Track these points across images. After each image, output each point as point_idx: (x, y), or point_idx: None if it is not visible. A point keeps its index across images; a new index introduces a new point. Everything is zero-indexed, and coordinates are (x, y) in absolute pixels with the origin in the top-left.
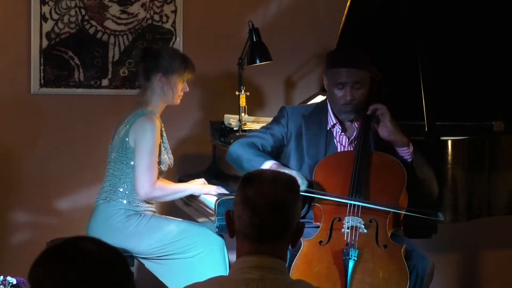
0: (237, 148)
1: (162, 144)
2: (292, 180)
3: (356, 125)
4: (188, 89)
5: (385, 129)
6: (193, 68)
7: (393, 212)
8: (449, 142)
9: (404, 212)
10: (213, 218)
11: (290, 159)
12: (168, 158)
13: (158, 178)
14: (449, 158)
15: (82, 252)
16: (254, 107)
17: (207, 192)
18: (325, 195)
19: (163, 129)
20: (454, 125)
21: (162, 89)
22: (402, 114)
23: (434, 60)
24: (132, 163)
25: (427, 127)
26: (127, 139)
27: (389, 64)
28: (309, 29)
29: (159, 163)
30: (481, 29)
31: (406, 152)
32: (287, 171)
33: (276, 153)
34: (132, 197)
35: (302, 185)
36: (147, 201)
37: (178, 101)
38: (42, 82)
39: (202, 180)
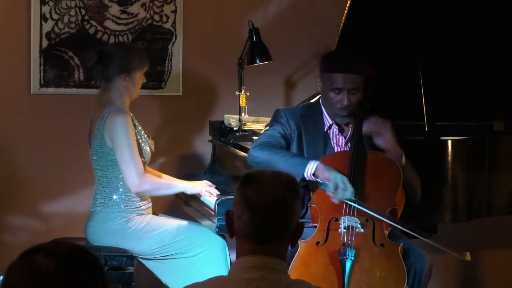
0: (260, 152)
1: (138, 136)
2: (292, 179)
3: (351, 125)
4: (145, 80)
5: (383, 140)
6: (149, 59)
7: (389, 210)
8: (449, 142)
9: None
10: (213, 218)
11: None
12: (148, 149)
13: (145, 169)
14: (449, 158)
15: (37, 273)
16: (254, 107)
17: (199, 191)
18: (369, 210)
19: (135, 120)
20: (454, 125)
21: (127, 87)
22: (402, 114)
23: (434, 60)
24: (116, 167)
25: (427, 127)
26: (104, 141)
27: (389, 64)
28: (309, 29)
29: (141, 155)
30: (481, 29)
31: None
32: (339, 179)
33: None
34: (129, 200)
35: (348, 191)
36: (144, 199)
37: (138, 95)
38: (42, 82)
39: (205, 181)
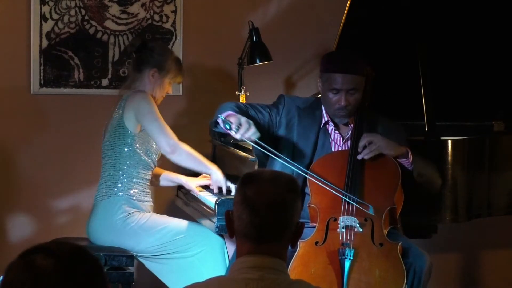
0: (228, 103)
1: None
2: (292, 179)
3: (351, 125)
4: (171, 92)
5: (382, 149)
6: (183, 74)
7: (388, 210)
8: (449, 142)
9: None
10: (213, 218)
11: (279, 147)
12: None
13: (154, 167)
14: (449, 158)
15: (36, 273)
16: None
17: (223, 181)
18: (283, 159)
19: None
20: (454, 125)
21: (152, 84)
22: (402, 114)
23: (434, 60)
24: (126, 153)
25: (427, 127)
26: (123, 121)
27: (389, 64)
28: (309, 29)
29: (152, 152)
30: (481, 29)
31: (406, 162)
32: (243, 119)
33: (266, 132)
34: (131, 189)
35: (254, 134)
36: (145, 195)
37: (159, 102)
38: (42, 82)
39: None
